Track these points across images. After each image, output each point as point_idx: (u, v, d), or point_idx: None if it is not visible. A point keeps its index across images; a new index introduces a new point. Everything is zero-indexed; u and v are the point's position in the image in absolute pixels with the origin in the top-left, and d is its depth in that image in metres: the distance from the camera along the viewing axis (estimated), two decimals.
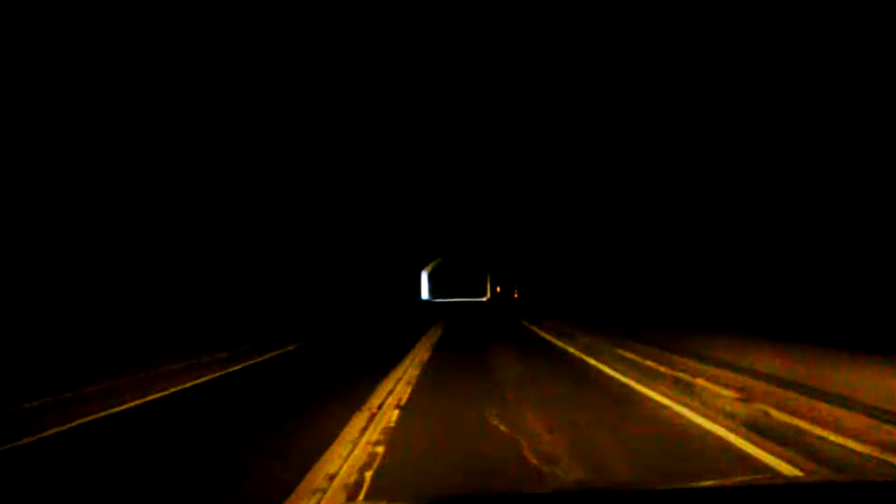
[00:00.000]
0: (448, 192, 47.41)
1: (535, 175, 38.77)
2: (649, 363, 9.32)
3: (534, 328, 19.11)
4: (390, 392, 8.32)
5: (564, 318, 20.83)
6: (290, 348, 14.66)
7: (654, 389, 7.78)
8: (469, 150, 39.89)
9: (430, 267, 65.48)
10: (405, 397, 7.98)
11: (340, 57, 23.73)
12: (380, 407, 7.36)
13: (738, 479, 3.66)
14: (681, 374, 7.99)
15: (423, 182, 44.97)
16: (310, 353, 13.95)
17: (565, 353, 12.31)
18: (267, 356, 13.02)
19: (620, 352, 10.91)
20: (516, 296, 36.21)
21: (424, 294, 63.21)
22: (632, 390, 7.93)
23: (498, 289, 52.21)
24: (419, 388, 8.64)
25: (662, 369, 8.64)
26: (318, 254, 32.50)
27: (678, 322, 15.23)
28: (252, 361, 12.14)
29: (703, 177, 17.37)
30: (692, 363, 8.98)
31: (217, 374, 10.41)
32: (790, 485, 2.37)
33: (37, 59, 11.67)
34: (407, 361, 11.46)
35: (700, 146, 17.19)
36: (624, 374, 9.09)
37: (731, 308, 15.21)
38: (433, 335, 18.02)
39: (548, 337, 15.96)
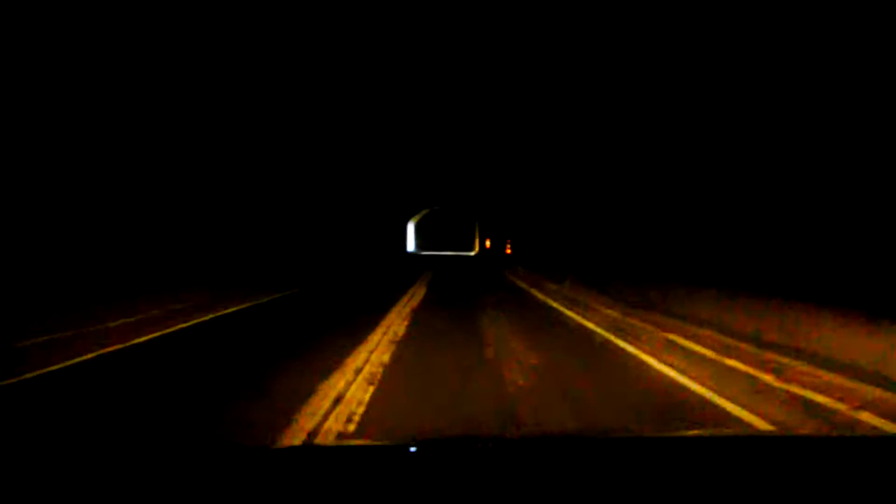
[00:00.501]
0: (436, 138, 44.23)
1: (528, 121, 35.52)
2: (733, 362, 6.24)
3: (535, 291, 16.01)
4: (338, 401, 5.18)
5: (567, 277, 17.79)
6: (230, 310, 11.47)
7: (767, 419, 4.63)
8: (458, 94, 36.87)
9: (416, 218, 62.35)
10: (360, 411, 4.86)
11: (326, 7, 22.93)
12: (311, 434, 4.27)
13: (726, 431, 3.78)
14: (806, 393, 4.89)
15: (410, 127, 41.77)
16: (253, 321, 10.78)
17: (588, 333, 9.18)
18: (192, 322, 9.83)
19: (673, 338, 7.83)
20: (509, 251, 33.06)
21: (410, 246, 60.27)
22: (722, 411, 4.80)
23: (488, 242, 49.12)
24: (384, 389, 5.52)
25: (768, 378, 5.55)
26: (291, 200, 29.24)
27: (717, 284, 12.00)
28: (163, 332, 8.95)
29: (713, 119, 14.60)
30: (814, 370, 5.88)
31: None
32: (777, 438, 2.61)
33: (40, 43, 12.56)
34: (376, 337, 8.33)
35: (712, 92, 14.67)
36: (697, 381, 5.91)
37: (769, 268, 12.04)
38: (415, 295, 14.93)
39: (558, 306, 12.83)
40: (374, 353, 7.15)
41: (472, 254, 57.35)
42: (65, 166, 14.00)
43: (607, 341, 8.20)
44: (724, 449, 1.84)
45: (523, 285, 17.95)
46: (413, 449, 1.82)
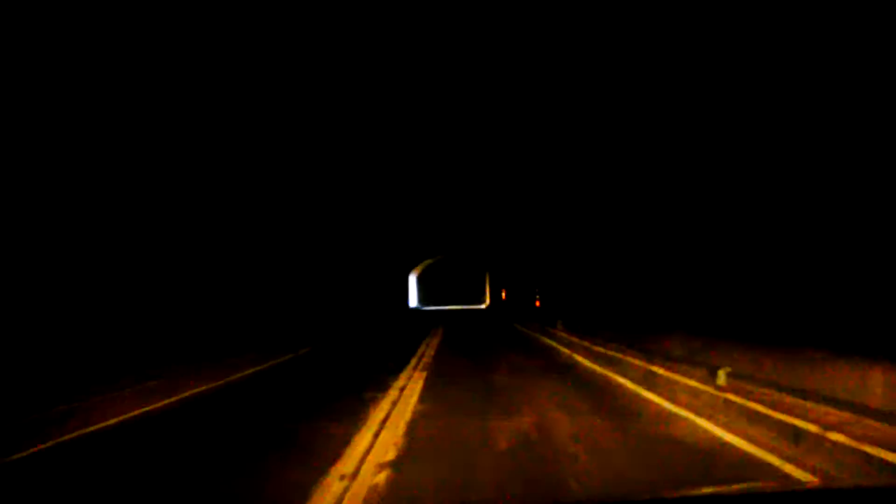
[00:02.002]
0: (438, 178, 37.26)
1: (543, 153, 28.61)
2: None
3: (627, 382, 7.73)
4: None
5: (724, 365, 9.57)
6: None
7: None
8: (461, 128, 30.67)
9: (418, 269, 54.48)
10: None
11: (326, 42, 21.34)
12: None
13: (754, 485, 3.46)
14: None
15: (409, 167, 34.97)
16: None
17: None
18: None
19: None
20: (538, 303, 24.74)
21: (412, 301, 52.50)
22: None
23: (503, 294, 40.85)
24: None
25: None
26: (272, 251, 22.73)
27: None
28: None
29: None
30: None
31: None
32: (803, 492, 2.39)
33: (35, 59, 11.60)
34: None
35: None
36: None
37: None
38: (403, 398, 6.72)
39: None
40: None
41: (483, 307, 49.05)
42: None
43: None
44: None
45: (606, 371, 9.61)
46: None
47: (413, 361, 11.85)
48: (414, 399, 7.66)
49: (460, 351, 13.94)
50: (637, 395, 7.75)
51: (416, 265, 51.94)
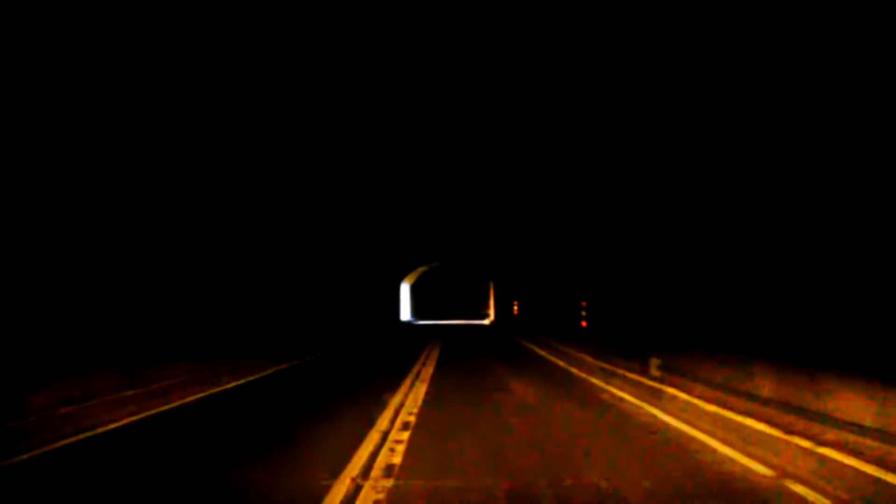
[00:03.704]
0: (435, 170, 30.33)
1: (559, 131, 22.22)
2: None
3: None
4: None
5: None
6: None
7: None
8: (459, 114, 24.73)
9: (411, 277, 46.56)
10: None
11: (318, 39, 18.46)
12: None
13: None
14: None
15: (401, 159, 28.21)
16: None
17: None
18: None
19: None
20: (584, 324, 16.47)
21: (405, 314, 44.85)
22: None
23: (515, 307, 32.74)
24: None
25: None
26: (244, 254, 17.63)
27: None
28: None
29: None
30: None
31: None
32: None
33: (35, 55, 11.55)
34: None
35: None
36: None
37: None
38: None
39: None
40: None
41: (486, 323, 40.91)
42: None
43: None
44: None
45: None
46: None
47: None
48: None
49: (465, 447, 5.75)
50: None
51: (409, 272, 44.00)
